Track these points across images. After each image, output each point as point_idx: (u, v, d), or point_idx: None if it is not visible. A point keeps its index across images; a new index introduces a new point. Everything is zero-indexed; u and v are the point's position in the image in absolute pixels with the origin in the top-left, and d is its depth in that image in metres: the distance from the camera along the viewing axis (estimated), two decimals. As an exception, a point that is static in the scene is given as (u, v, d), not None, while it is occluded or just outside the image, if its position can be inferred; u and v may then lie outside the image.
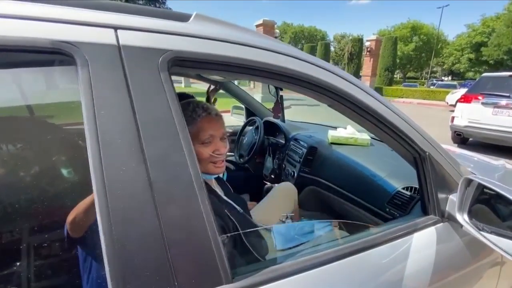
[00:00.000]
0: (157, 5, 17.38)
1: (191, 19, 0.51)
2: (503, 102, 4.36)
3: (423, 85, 26.60)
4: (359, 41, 20.20)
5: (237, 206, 0.85)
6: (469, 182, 0.71)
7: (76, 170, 0.43)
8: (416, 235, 0.70)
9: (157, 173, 0.41)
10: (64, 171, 0.43)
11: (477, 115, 4.65)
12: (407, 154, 0.76)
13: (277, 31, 12.36)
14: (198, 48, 0.48)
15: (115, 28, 0.42)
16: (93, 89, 0.39)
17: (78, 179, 0.43)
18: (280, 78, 0.58)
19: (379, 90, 17.76)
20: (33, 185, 0.41)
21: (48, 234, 0.42)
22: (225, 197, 0.82)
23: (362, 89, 0.65)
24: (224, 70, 0.54)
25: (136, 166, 0.40)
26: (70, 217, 0.40)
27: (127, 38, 0.43)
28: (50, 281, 0.40)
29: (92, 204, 0.38)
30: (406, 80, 36.58)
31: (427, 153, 0.73)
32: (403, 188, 1.02)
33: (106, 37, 0.42)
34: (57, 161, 0.44)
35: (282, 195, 1.21)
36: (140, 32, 0.44)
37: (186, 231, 0.43)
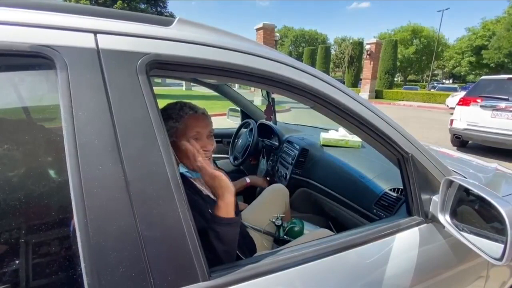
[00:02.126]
0: (159, 9, 17.52)
1: (174, 23, 0.53)
2: (502, 105, 4.36)
3: (424, 88, 26.60)
4: (359, 44, 20.25)
5: None
6: (450, 183, 0.72)
7: (54, 170, 0.45)
8: (398, 235, 0.71)
9: (134, 172, 0.43)
10: (43, 171, 0.45)
11: (476, 118, 4.65)
12: (390, 156, 0.77)
13: (277, 34, 12.43)
14: (178, 52, 0.50)
15: (95, 32, 0.44)
16: (72, 91, 0.41)
17: (55, 179, 0.44)
18: (262, 81, 0.59)
19: (379, 93, 17.78)
20: (9, 184, 0.42)
21: (26, 233, 0.43)
22: (212, 196, 0.83)
23: (343, 92, 0.66)
24: (206, 73, 0.56)
25: (113, 165, 0.42)
26: (39, 222, 0.42)
27: (107, 42, 0.44)
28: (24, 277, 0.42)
29: (65, 207, 0.39)
30: (407, 83, 36.63)
31: (410, 155, 0.73)
32: (390, 190, 1.02)
33: (85, 41, 0.43)
34: (36, 161, 0.45)
35: (273, 196, 1.22)
36: (120, 36, 0.46)
37: (162, 229, 0.44)
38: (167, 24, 0.52)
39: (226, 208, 0.63)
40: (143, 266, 0.42)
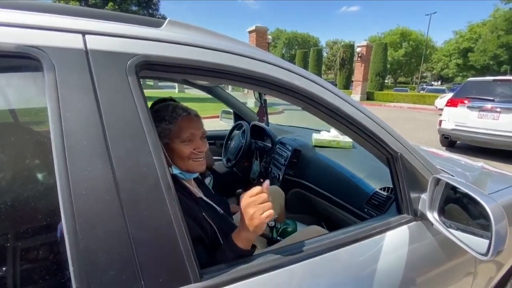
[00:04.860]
0: (150, 11, 17.42)
1: (164, 25, 0.53)
2: (488, 105, 4.48)
3: (414, 89, 27.16)
4: (350, 47, 20.53)
5: (217, 207, 0.86)
6: (437, 181, 0.73)
7: (42, 173, 0.44)
8: (388, 233, 0.72)
9: (123, 174, 0.42)
10: (30, 174, 0.44)
11: (463, 119, 4.77)
12: (380, 155, 0.78)
13: (270, 37, 12.51)
14: (168, 53, 0.50)
15: (83, 33, 0.44)
16: (59, 92, 0.40)
17: (43, 182, 0.44)
18: (253, 82, 0.60)
19: (370, 94, 18.06)
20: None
21: (13, 237, 0.42)
22: (204, 198, 0.83)
23: (333, 93, 0.67)
24: (197, 74, 0.56)
25: (102, 167, 0.41)
26: (25, 226, 0.41)
27: (95, 43, 0.44)
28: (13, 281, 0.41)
29: (53, 210, 0.39)
30: (397, 85, 37.33)
31: (398, 154, 0.75)
32: (381, 189, 1.04)
33: (73, 41, 0.43)
34: (23, 164, 0.45)
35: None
36: (109, 37, 0.46)
37: (152, 231, 0.44)
38: (157, 25, 0.52)
39: (248, 242, 0.63)
40: (134, 268, 0.42)
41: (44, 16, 0.42)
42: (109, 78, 0.44)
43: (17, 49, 0.39)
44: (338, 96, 0.68)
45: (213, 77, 0.57)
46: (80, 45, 0.43)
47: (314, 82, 0.65)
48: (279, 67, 0.61)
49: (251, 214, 0.58)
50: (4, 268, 0.40)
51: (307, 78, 0.64)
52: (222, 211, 0.89)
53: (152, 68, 0.50)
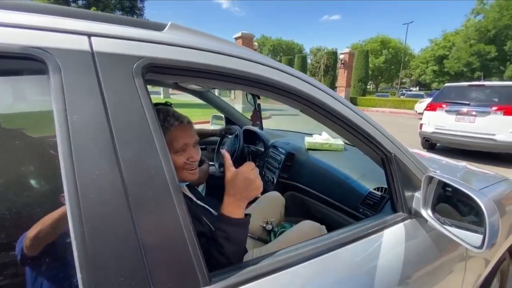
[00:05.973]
0: (135, 16, 17.24)
1: (166, 28, 0.53)
2: (464, 109, 4.74)
3: (394, 95, 28.24)
4: (333, 54, 21.16)
5: (211, 209, 0.86)
6: (430, 179, 0.77)
7: (49, 181, 0.42)
8: (385, 232, 0.74)
9: (132, 177, 0.42)
10: (37, 182, 0.42)
11: (442, 122, 5.01)
12: (375, 156, 0.81)
13: (256, 43, 12.68)
14: (172, 55, 0.50)
15: (89, 35, 0.43)
16: (66, 94, 0.39)
17: (49, 186, 0.42)
18: (252, 84, 0.61)
19: (353, 100, 18.60)
20: (2, 195, 0.40)
21: (18, 244, 0.40)
22: (199, 202, 0.83)
23: (330, 95, 0.70)
24: (198, 77, 0.56)
25: (110, 170, 0.40)
26: (32, 233, 0.39)
27: (101, 45, 0.44)
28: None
29: (60, 216, 0.37)
30: (379, 90, 38.73)
31: (392, 154, 0.78)
32: (375, 189, 1.07)
33: (79, 43, 0.42)
34: (29, 170, 0.43)
35: (268, 204, 1.21)
36: (115, 39, 0.45)
37: (162, 235, 0.43)
38: (160, 28, 0.52)
39: (240, 209, 0.63)
40: (143, 274, 0.41)
41: (49, 17, 0.41)
42: (115, 80, 0.44)
43: (22, 51, 0.38)
44: (336, 99, 0.70)
45: (216, 79, 0.57)
46: (86, 47, 0.42)
47: (312, 85, 0.67)
48: (280, 70, 0.62)
49: (254, 178, 0.63)
50: (9, 275, 0.38)
51: (305, 81, 0.66)
52: (216, 213, 0.88)
53: (157, 70, 0.50)
